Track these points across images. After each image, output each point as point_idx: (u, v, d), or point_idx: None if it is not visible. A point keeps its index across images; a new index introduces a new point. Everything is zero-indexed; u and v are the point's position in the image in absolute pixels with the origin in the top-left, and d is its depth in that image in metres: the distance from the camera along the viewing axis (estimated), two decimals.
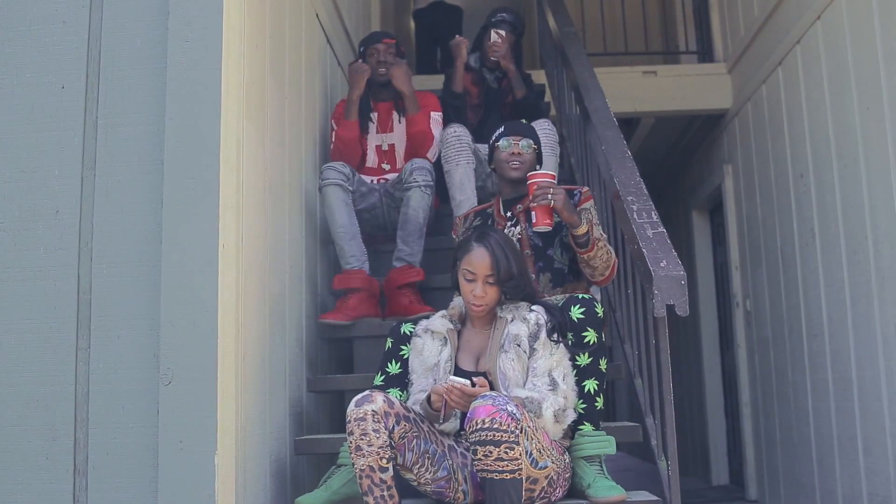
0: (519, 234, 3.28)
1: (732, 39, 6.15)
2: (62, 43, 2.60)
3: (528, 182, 3.14)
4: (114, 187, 2.53)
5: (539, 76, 5.73)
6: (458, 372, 2.78)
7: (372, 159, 4.16)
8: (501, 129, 3.43)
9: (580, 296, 2.95)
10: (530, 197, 3.09)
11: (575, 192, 3.26)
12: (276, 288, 3.13)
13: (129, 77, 2.57)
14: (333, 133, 4.10)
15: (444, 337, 2.85)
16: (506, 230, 3.29)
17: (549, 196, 3.03)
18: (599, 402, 2.88)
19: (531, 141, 3.39)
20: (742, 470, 6.46)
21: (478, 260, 2.79)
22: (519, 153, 3.34)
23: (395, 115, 4.23)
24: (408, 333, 3.03)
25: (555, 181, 3.14)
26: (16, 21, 2.62)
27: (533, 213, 3.11)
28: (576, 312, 2.88)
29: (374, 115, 4.22)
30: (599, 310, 2.91)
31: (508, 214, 3.35)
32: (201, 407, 2.37)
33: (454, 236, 3.48)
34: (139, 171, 2.52)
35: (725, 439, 7.20)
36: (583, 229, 3.08)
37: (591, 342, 2.86)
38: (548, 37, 5.62)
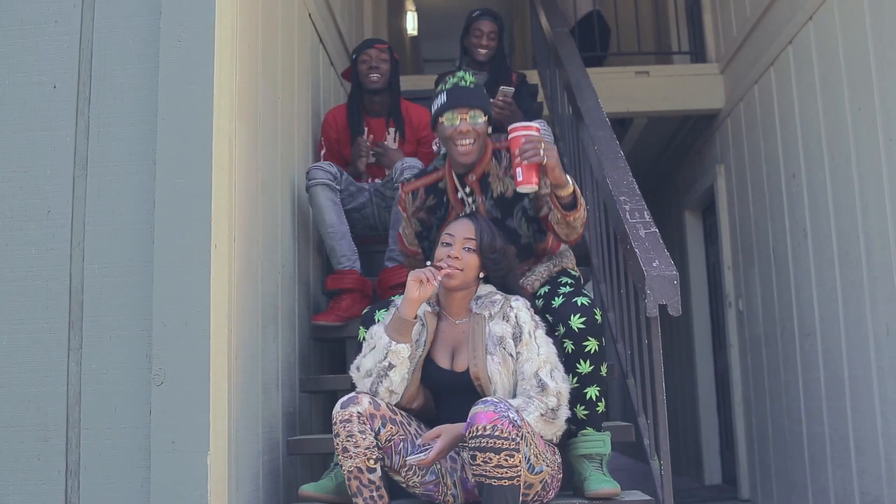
0: (475, 205, 3.01)
1: (725, 40, 6.16)
2: (54, 43, 2.60)
3: (512, 136, 2.75)
4: (106, 187, 2.52)
5: (532, 76, 5.73)
6: (433, 369, 2.70)
7: (364, 175, 4.13)
8: (443, 97, 2.92)
9: (579, 302, 2.87)
10: (516, 152, 2.71)
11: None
12: (268, 288, 3.13)
13: (120, 77, 2.57)
14: (322, 152, 4.08)
15: (422, 320, 2.74)
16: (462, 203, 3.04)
17: (542, 153, 2.68)
18: (601, 407, 2.88)
19: (481, 110, 2.90)
20: (734, 469, 6.47)
21: (458, 224, 2.72)
22: (468, 130, 2.88)
23: (388, 132, 4.15)
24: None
25: (540, 133, 2.76)
26: (7, 21, 2.61)
27: (518, 170, 2.73)
28: (576, 322, 2.84)
29: (366, 131, 4.14)
30: (598, 315, 2.87)
31: (468, 190, 3.03)
32: (193, 407, 2.36)
33: (401, 209, 3.16)
34: (131, 172, 2.52)
35: (718, 439, 7.21)
36: (570, 189, 2.79)
37: (592, 350, 2.84)
38: (541, 37, 5.63)
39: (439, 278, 2.62)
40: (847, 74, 4.19)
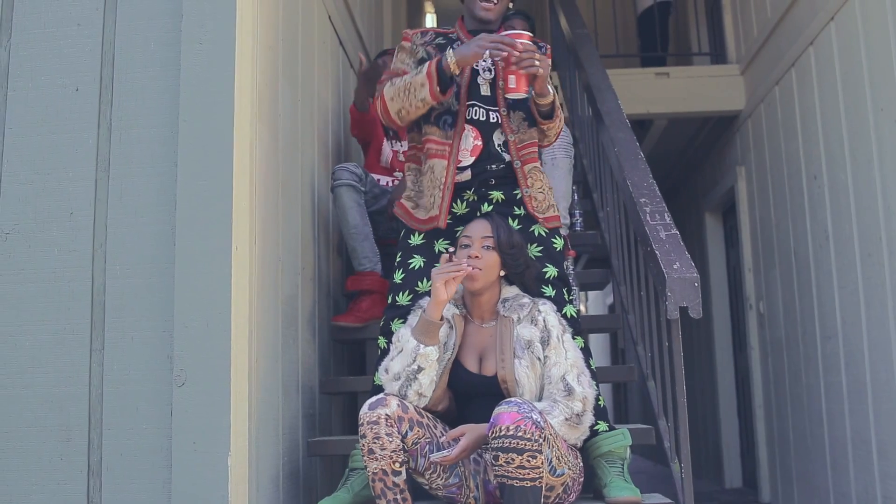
0: (490, 63, 2.98)
1: (745, 41, 6.13)
2: (76, 45, 2.61)
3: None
4: (127, 189, 2.54)
5: (552, 77, 5.73)
6: (461, 372, 2.69)
7: (385, 159, 4.14)
8: None
9: (569, 314, 2.91)
10: (511, 59, 2.69)
11: (541, 45, 2.96)
12: (289, 289, 3.14)
13: (142, 79, 2.58)
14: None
15: (451, 323, 2.72)
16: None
17: (538, 64, 2.69)
18: (601, 400, 2.90)
19: None
20: (755, 472, 6.44)
21: (474, 226, 2.73)
22: None
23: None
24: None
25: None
26: (30, 24, 2.63)
27: (511, 76, 2.73)
28: None
29: None
30: (578, 318, 2.97)
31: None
32: (214, 408, 2.37)
33: (403, 43, 3.02)
34: (153, 173, 2.53)
35: (738, 442, 7.18)
36: (550, 99, 2.87)
37: (580, 347, 2.87)
38: (560, 38, 5.62)
39: (462, 270, 2.59)
40: (869, 75, 4.16)
